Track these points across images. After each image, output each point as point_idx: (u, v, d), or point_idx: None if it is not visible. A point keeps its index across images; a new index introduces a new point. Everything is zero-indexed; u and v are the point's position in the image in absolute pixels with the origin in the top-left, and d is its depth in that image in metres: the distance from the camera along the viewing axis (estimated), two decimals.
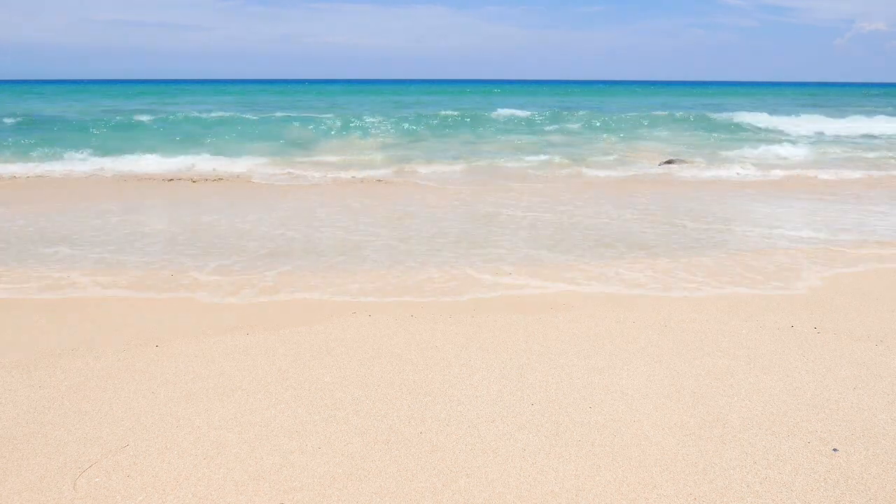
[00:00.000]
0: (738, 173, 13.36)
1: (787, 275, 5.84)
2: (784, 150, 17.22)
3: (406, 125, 22.14)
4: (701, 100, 44.51)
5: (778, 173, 13.43)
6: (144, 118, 22.32)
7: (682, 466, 2.81)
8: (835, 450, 2.93)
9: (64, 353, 4.06)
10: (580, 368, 3.80)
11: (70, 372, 3.78)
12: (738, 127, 23.06)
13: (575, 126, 22.86)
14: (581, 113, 26.82)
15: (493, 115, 25.61)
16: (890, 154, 16.86)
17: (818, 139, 20.48)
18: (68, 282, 5.67)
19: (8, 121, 21.27)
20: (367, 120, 23.02)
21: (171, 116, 23.21)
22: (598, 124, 23.05)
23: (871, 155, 16.68)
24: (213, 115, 23.74)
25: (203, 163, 14.18)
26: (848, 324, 4.56)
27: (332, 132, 20.66)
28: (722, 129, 22.45)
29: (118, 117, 22.68)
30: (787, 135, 21.41)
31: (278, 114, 24.93)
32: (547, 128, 22.80)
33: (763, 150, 17.34)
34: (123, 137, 18.09)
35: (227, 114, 24.35)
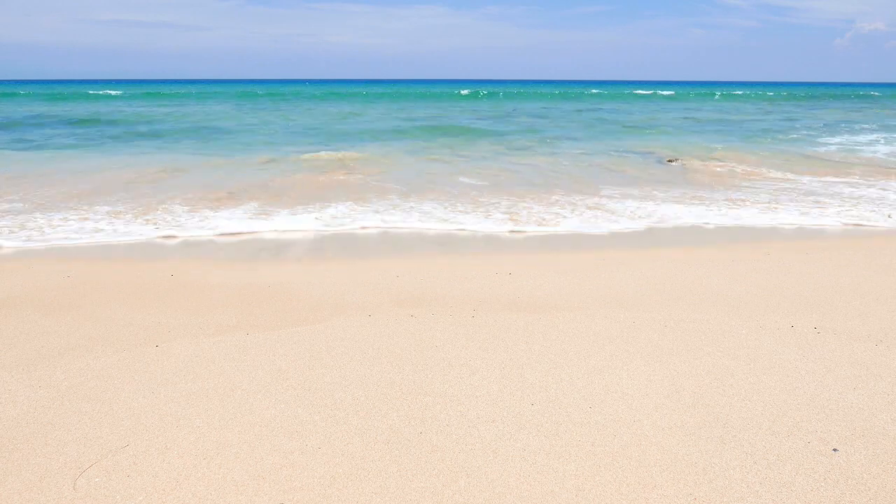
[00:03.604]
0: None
1: None
2: None
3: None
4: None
5: None
6: None
7: (682, 466, 2.81)
8: (835, 450, 2.93)
9: (64, 353, 4.06)
10: (580, 368, 3.80)
11: (70, 372, 3.78)
12: None
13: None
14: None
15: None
16: None
17: None
18: None
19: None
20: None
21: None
22: None
23: None
24: None
25: None
26: (848, 324, 4.56)
27: None
28: None
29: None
30: None
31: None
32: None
33: None
34: None
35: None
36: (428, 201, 9.87)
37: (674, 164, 14.73)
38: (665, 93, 64.38)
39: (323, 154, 15.83)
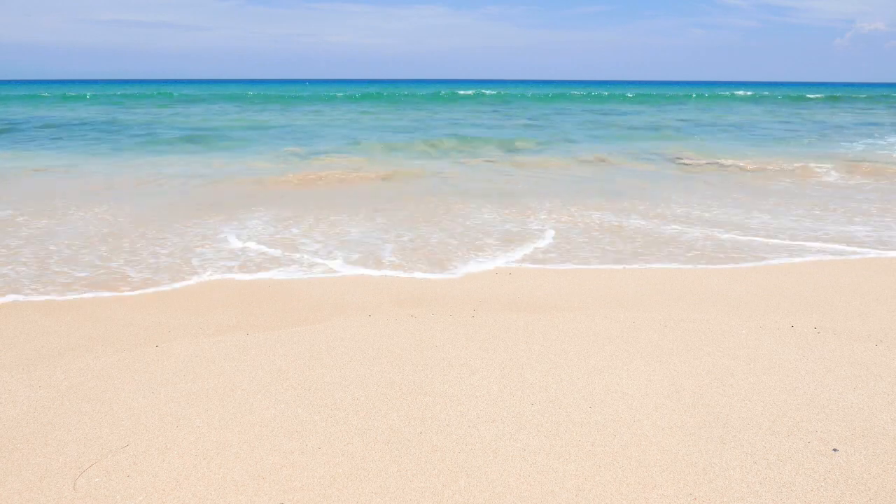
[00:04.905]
0: None
1: None
2: None
3: None
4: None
5: None
6: None
7: (682, 466, 2.81)
8: (835, 450, 2.93)
9: (64, 353, 4.06)
10: (580, 368, 3.80)
11: (70, 372, 3.78)
12: None
13: None
14: None
15: None
16: None
17: None
18: None
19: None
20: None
21: None
22: None
23: None
24: None
25: None
26: (848, 324, 4.56)
27: None
28: None
29: None
30: None
31: None
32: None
33: None
34: None
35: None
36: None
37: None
38: (678, 93, 63.47)
39: (334, 157, 14.70)
